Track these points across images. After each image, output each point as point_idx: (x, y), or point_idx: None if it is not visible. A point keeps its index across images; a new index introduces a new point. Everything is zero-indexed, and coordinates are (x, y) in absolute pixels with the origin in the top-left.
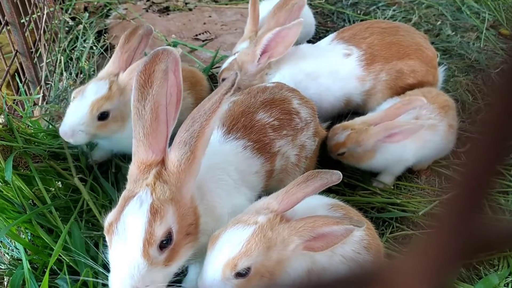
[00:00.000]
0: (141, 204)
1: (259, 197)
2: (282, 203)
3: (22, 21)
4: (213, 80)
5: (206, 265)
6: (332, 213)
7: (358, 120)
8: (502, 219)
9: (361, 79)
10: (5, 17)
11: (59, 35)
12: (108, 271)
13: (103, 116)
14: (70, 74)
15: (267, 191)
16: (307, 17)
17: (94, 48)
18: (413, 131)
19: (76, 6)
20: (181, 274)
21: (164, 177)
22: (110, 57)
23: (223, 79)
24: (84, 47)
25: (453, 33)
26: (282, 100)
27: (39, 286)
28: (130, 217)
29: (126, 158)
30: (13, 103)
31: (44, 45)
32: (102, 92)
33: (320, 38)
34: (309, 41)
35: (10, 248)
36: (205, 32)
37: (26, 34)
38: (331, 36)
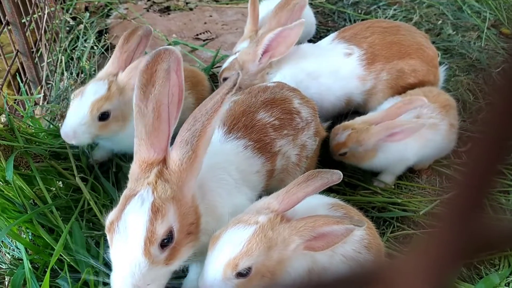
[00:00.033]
0: (143, 203)
1: (260, 196)
2: (282, 203)
3: (23, 21)
4: (214, 80)
5: (207, 265)
6: (332, 212)
7: (358, 119)
8: (503, 219)
9: (362, 78)
10: (6, 17)
11: (60, 35)
12: (110, 270)
13: (103, 117)
14: (71, 74)
15: (267, 190)
16: (308, 17)
17: (95, 47)
18: (414, 130)
19: (77, 6)
20: (182, 274)
21: (166, 176)
22: (111, 57)
23: (224, 79)
24: (85, 46)
25: (454, 32)
26: (283, 99)
27: (40, 285)
28: (131, 216)
29: (126, 157)
30: (14, 103)
31: (45, 45)
32: (101, 93)
33: (321, 38)
34: (310, 41)
35: (11, 247)
36: (206, 31)
37: (27, 34)
38: (332, 35)
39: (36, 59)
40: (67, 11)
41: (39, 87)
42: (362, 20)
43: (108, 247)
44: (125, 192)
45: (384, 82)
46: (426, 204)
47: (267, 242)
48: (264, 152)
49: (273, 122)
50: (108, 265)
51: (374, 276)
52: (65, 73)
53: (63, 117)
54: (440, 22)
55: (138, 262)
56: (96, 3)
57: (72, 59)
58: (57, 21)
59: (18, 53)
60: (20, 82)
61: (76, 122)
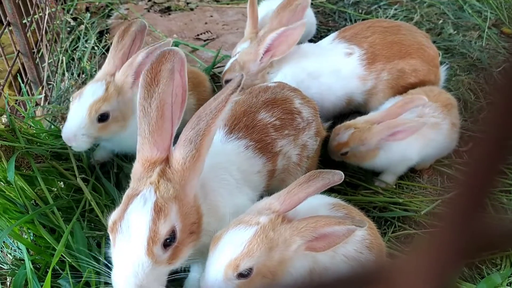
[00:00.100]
0: (145, 202)
1: (261, 197)
2: (284, 204)
3: (24, 21)
4: (215, 80)
5: (208, 266)
6: (334, 212)
7: (360, 119)
8: (505, 218)
9: (362, 78)
10: (7, 18)
11: (61, 36)
12: (111, 270)
13: (103, 118)
14: (72, 74)
15: (269, 191)
16: (308, 17)
17: (96, 48)
18: (416, 129)
19: (77, 7)
20: (183, 275)
21: (168, 175)
22: None
23: (226, 81)
24: (85, 47)
25: (455, 32)
26: (284, 99)
27: (42, 286)
28: (134, 215)
29: (128, 158)
30: (15, 103)
31: (46, 45)
32: (99, 94)
33: (321, 38)
34: (310, 41)
35: (13, 248)
36: (207, 32)
37: (28, 35)
38: (332, 35)
39: (37, 59)
40: (68, 12)
41: (40, 88)
42: (363, 19)
43: (109, 247)
44: (128, 191)
45: (385, 82)
46: (427, 204)
47: (268, 243)
48: (265, 152)
49: (274, 122)
50: (109, 265)
51: (376, 276)
52: (66, 74)
53: (63, 118)
54: (441, 21)
55: (141, 262)
56: (97, 3)
57: (73, 59)
58: (58, 22)
59: (19, 53)
60: (21, 82)
61: (76, 125)
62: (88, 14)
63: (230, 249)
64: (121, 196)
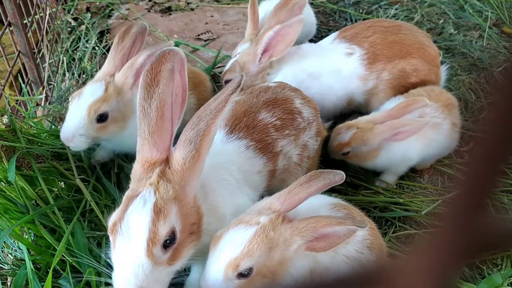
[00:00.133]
0: (145, 204)
1: (262, 197)
2: (284, 204)
3: (24, 22)
4: (215, 80)
5: (208, 266)
6: (334, 212)
7: (362, 119)
8: (506, 218)
9: (363, 78)
10: (8, 18)
11: (61, 36)
12: (111, 270)
13: (102, 118)
14: (73, 74)
15: (269, 191)
16: (308, 17)
17: (97, 48)
18: (418, 129)
19: (78, 7)
20: (184, 274)
21: (168, 176)
22: None
23: (226, 81)
24: (86, 47)
25: (456, 31)
26: (284, 99)
27: (42, 286)
28: (133, 217)
29: (128, 158)
30: (16, 103)
31: (47, 45)
32: (98, 94)
33: (322, 38)
34: (311, 41)
35: (13, 248)
36: (207, 32)
37: (28, 35)
38: (333, 35)
39: (38, 60)
40: (68, 12)
41: (41, 88)
42: (364, 19)
43: (109, 247)
44: (127, 192)
45: (386, 81)
46: (428, 204)
47: (268, 243)
48: (266, 152)
49: (275, 122)
50: (109, 265)
51: (376, 276)
52: (67, 74)
53: (62, 119)
54: (441, 21)
55: (141, 263)
56: (98, 3)
57: (73, 59)
58: (58, 22)
59: (20, 54)
60: (22, 83)
61: (74, 125)
62: (89, 14)
63: (230, 249)
64: (121, 196)
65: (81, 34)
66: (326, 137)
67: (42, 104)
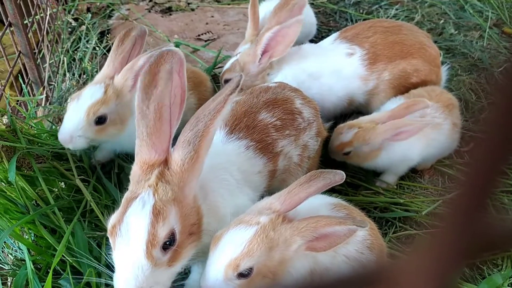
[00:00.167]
0: (144, 206)
1: (262, 197)
2: (284, 204)
3: (25, 22)
4: (216, 80)
5: (208, 266)
6: (335, 213)
7: (364, 119)
8: (506, 219)
9: (364, 78)
10: (8, 18)
11: (62, 36)
12: (112, 271)
13: (100, 121)
14: (73, 74)
15: (269, 191)
16: (309, 17)
17: (97, 48)
18: (420, 129)
19: (79, 7)
20: (184, 275)
21: (167, 177)
22: None
23: (225, 81)
24: (87, 47)
25: (456, 32)
26: (284, 100)
27: (43, 286)
28: (133, 219)
29: (129, 158)
30: (17, 104)
31: (47, 46)
32: (97, 96)
33: (322, 38)
34: (311, 41)
35: (14, 248)
36: (208, 32)
37: (29, 35)
38: (333, 35)
39: (38, 60)
40: (69, 12)
41: (41, 88)
42: (364, 20)
43: (110, 248)
44: (127, 194)
45: (386, 82)
46: (428, 204)
47: (268, 243)
48: (266, 153)
49: (275, 123)
50: (109, 266)
51: (377, 277)
52: (67, 74)
53: (60, 120)
54: (442, 21)
55: (140, 265)
56: (98, 4)
57: (74, 60)
58: (59, 22)
59: (20, 54)
60: (22, 83)
61: (73, 126)
62: (89, 15)
63: (231, 249)
64: (122, 197)
65: (82, 35)
66: (326, 138)
67: (43, 105)
